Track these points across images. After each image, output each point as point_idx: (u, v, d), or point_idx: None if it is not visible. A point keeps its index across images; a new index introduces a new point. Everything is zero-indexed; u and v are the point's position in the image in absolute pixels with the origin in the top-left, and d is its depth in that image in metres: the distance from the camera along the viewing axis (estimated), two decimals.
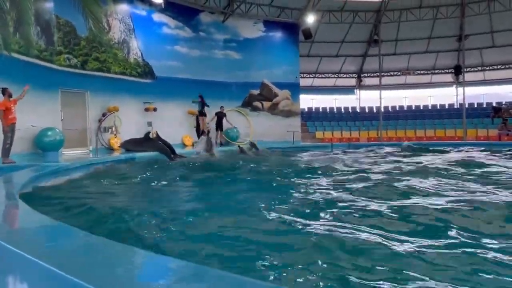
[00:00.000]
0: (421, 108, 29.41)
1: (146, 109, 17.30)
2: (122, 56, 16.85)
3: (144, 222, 3.97)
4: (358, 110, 30.01)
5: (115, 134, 15.55)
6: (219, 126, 18.99)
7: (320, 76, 29.78)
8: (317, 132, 25.79)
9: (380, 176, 7.30)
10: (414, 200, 5.14)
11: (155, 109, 17.35)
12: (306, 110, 28.69)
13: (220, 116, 19.00)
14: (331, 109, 29.98)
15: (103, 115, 15.44)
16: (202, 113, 17.48)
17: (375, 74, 28.03)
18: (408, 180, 6.74)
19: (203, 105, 17.44)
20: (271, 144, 19.36)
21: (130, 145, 13.67)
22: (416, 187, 6.09)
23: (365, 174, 7.83)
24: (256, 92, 22.46)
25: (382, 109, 25.46)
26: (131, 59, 17.34)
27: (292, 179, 7.56)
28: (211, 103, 19.12)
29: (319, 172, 8.55)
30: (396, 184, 6.27)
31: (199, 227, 3.86)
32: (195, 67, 20.00)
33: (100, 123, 15.20)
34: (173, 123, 18.16)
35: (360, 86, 30.05)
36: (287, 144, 19.56)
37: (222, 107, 19.23)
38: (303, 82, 26.82)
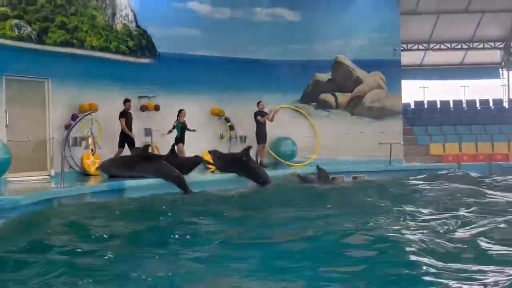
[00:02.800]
0: None
1: (143, 108, 13.95)
2: (103, 21, 13.70)
3: None
4: (505, 105, 22.97)
5: (92, 149, 12.76)
6: (260, 134, 13.55)
7: (437, 47, 22.65)
8: (432, 144, 19.07)
9: None
10: None
11: (157, 108, 13.83)
12: (413, 106, 22.29)
13: (259, 120, 13.61)
14: (457, 103, 22.82)
15: (73, 118, 12.58)
16: (181, 139, 13.35)
17: None
18: None
19: (183, 130, 13.35)
20: (352, 165, 14.67)
21: (117, 167, 11.52)
22: None
23: None
24: (325, 77, 16.63)
25: None
26: (118, 26, 14.04)
27: None
28: (249, 98, 14.44)
29: None
30: None
31: None
32: (223, 37, 15.20)
33: (68, 132, 12.49)
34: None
35: (510, 62, 23.17)
36: (380, 166, 14.48)
37: (261, 102, 13.93)
38: (408, 58, 20.78)
